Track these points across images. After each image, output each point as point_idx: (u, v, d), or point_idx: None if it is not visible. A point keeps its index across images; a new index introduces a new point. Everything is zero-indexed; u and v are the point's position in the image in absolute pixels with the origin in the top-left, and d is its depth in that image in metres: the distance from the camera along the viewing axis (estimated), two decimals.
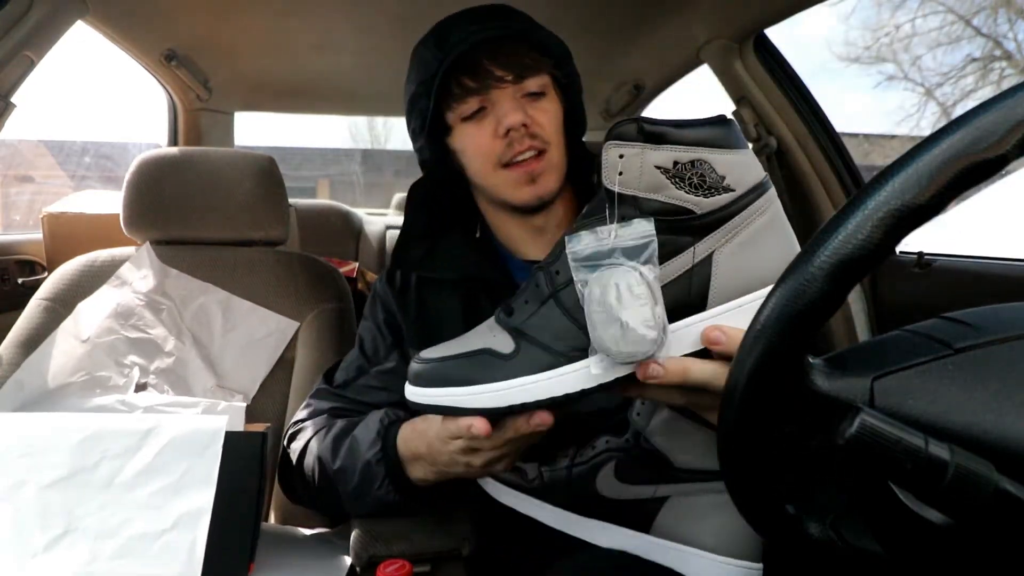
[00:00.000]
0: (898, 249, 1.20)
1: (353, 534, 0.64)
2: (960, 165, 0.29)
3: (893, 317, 1.24)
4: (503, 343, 0.47)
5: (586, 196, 0.76)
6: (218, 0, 1.27)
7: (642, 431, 0.57)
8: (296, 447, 0.72)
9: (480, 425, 0.47)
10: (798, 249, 0.46)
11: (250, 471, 0.62)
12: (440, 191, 0.79)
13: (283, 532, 0.75)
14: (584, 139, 0.82)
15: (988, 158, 0.29)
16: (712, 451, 0.54)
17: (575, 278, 0.43)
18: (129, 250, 1.09)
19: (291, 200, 1.17)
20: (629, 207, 0.43)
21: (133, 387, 0.96)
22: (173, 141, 1.85)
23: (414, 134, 0.75)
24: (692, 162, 0.42)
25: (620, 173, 0.43)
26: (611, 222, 0.43)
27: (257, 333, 1.04)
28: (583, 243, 0.43)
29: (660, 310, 0.41)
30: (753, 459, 0.38)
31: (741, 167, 0.44)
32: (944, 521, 0.33)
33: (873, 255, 0.31)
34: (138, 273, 1.06)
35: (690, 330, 0.44)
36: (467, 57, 0.67)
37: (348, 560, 0.63)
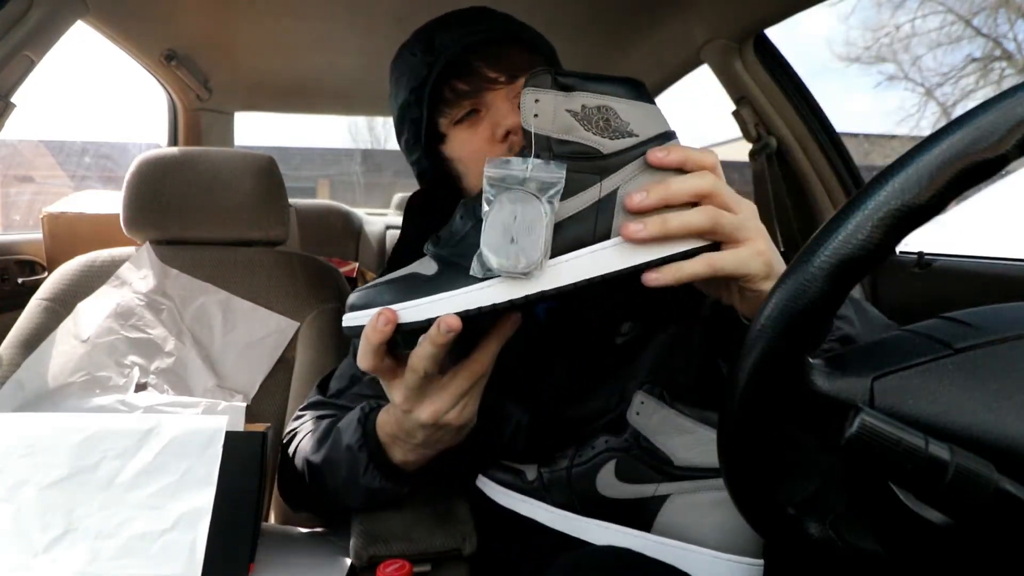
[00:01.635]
0: (898, 249, 1.20)
1: (353, 534, 0.64)
2: (960, 165, 0.29)
3: (893, 317, 1.24)
4: (428, 267, 0.51)
5: None
6: (218, 0, 1.27)
7: (641, 430, 0.57)
8: (289, 453, 0.72)
9: (450, 321, 0.48)
10: None
11: (250, 471, 0.62)
12: (434, 199, 0.79)
13: (283, 532, 0.75)
14: None
15: (988, 158, 0.29)
16: (712, 449, 0.54)
17: (484, 194, 0.47)
18: (129, 250, 1.09)
19: (291, 200, 1.17)
20: (544, 147, 0.48)
21: (133, 387, 0.96)
22: (173, 141, 1.85)
23: (408, 145, 0.74)
24: (598, 107, 0.48)
25: (535, 116, 0.48)
26: (528, 156, 0.48)
27: (257, 333, 1.04)
28: (501, 168, 0.47)
29: (547, 245, 0.46)
30: (753, 459, 0.38)
31: (644, 116, 0.49)
32: (944, 521, 0.33)
33: (873, 255, 0.31)
34: (138, 273, 1.06)
35: (595, 254, 0.48)
36: (458, 60, 0.66)
37: (348, 560, 0.63)
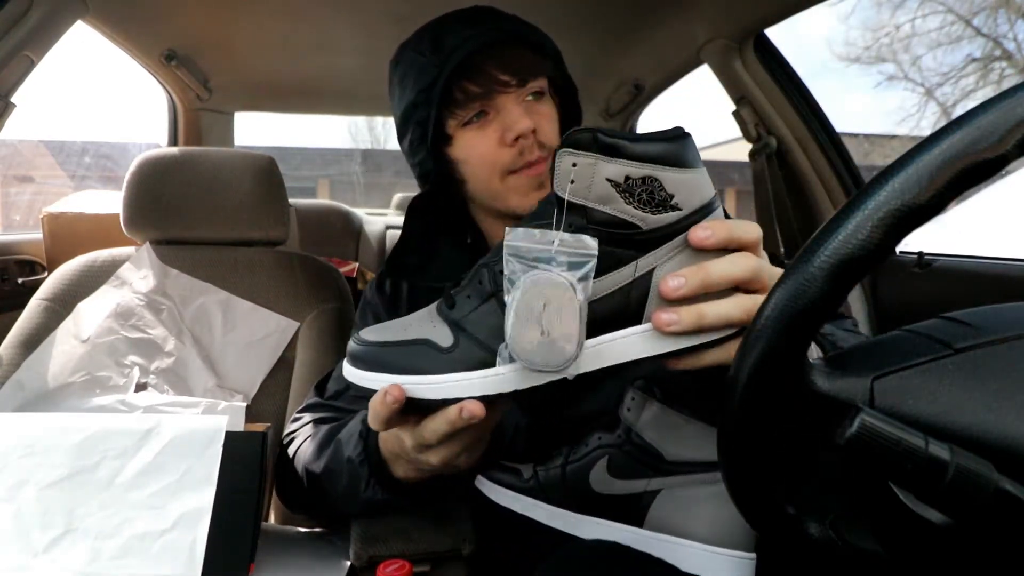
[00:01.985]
0: (898, 249, 1.20)
1: (353, 534, 0.64)
2: (960, 165, 0.29)
3: (893, 317, 1.24)
4: (443, 335, 0.48)
5: None
6: (218, 0, 1.27)
7: (633, 426, 0.57)
8: (289, 454, 0.72)
9: (473, 408, 0.46)
10: None
11: (250, 471, 0.62)
12: (436, 201, 0.78)
13: (283, 532, 0.75)
14: None
15: (988, 158, 0.29)
16: (702, 443, 0.55)
17: (506, 270, 0.43)
18: (129, 250, 1.09)
19: (291, 200, 1.17)
20: (577, 216, 0.43)
21: (133, 387, 0.96)
22: (173, 141, 1.85)
23: (412, 146, 0.72)
24: (643, 178, 0.42)
25: (572, 181, 0.43)
26: (558, 228, 0.43)
27: (257, 333, 1.04)
28: (525, 241, 0.43)
29: (583, 331, 0.42)
30: (753, 459, 0.38)
31: (691, 187, 0.44)
32: (944, 521, 0.33)
33: (873, 255, 0.31)
34: (138, 273, 1.06)
35: (626, 340, 0.45)
36: (468, 62, 0.65)
37: (348, 560, 0.63)
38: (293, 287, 1.08)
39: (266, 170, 1.08)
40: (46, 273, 1.41)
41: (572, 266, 0.42)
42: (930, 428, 0.33)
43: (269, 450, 0.65)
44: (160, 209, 1.05)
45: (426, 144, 0.70)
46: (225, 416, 0.65)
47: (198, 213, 1.06)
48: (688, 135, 0.45)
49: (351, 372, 0.50)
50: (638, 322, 0.44)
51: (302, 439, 0.72)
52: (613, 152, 0.42)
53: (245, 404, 0.96)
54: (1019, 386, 0.33)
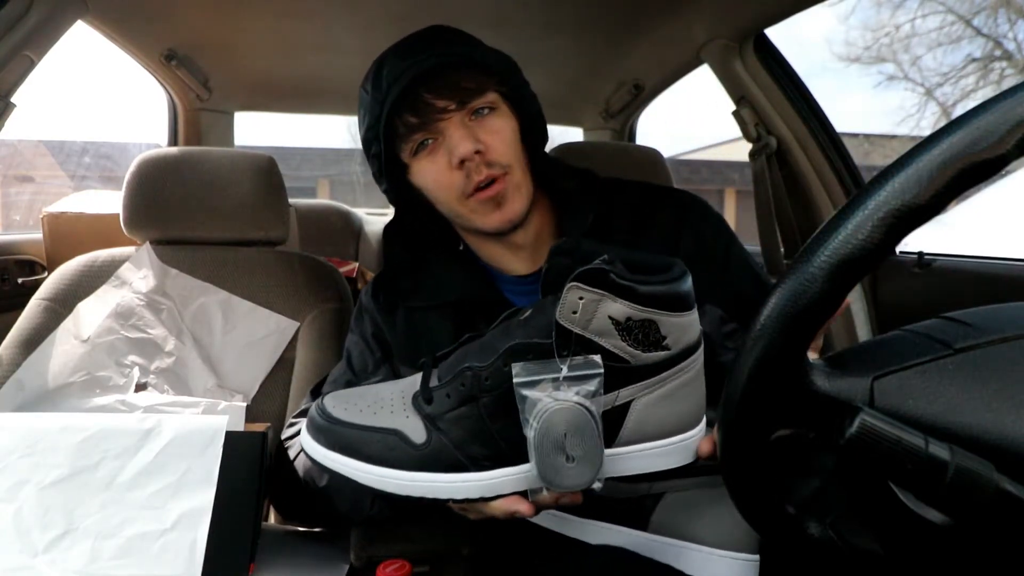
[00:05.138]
0: (898, 249, 1.20)
1: (353, 534, 0.64)
2: (960, 165, 0.29)
3: (893, 317, 1.24)
4: (415, 430, 0.49)
5: (560, 201, 0.76)
6: (218, 0, 1.27)
7: None
8: (285, 463, 0.72)
9: (525, 509, 0.49)
10: (704, 402, 0.50)
11: (250, 471, 0.62)
12: (415, 222, 0.78)
13: (283, 532, 0.75)
14: (583, 139, 0.82)
15: (988, 158, 0.29)
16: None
17: (519, 401, 0.45)
18: (129, 250, 1.09)
19: (291, 200, 1.17)
20: (574, 343, 0.45)
21: (133, 387, 0.96)
22: (173, 141, 1.85)
23: (377, 178, 0.74)
24: (643, 321, 0.45)
25: (575, 312, 0.45)
26: (558, 354, 0.45)
27: (257, 333, 1.04)
28: (532, 375, 0.45)
29: (602, 443, 0.45)
30: (753, 459, 0.38)
31: (683, 329, 0.46)
32: (944, 521, 0.33)
33: (873, 255, 0.31)
34: (138, 273, 1.06)
35: (608, 460, 0.47)
36: (406, 93, 0.66)
37: (348, 560, 0.63)
38: (293, 287, 1.08)
39: (266, 170, 1.08)
40: (46, 273, 1.41)
41: (583, 387, 0.44)
42: (930, 428, 0.33)
43: (269, 450, 0.65)
44: (160, 209, 1.05)
45: (383, 176, 0.72)
46: (225, 416, 0.65)
47: (198, 213, 1.06)
48: (687, 274, 0.47)
49: (312, 446, 0.51)
50: (608, 445, 0.47)
51: (299, 448, 0.71)
52: (621, 293, 0.44)
53: (245, 404, 0.96)
54: (1019, 386, 0.33)
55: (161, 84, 1.70)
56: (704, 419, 0.51)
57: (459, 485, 0.48)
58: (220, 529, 0.60)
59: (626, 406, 0.47)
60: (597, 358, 0.45)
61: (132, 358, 0.98)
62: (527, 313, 0.49)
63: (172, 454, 0.62)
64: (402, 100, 0.66)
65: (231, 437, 0.63)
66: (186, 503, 0.60)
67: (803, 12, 1.16)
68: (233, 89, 1.79)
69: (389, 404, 0.51)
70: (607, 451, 0.47)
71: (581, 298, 0.44)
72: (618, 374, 0.46)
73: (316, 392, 0.79)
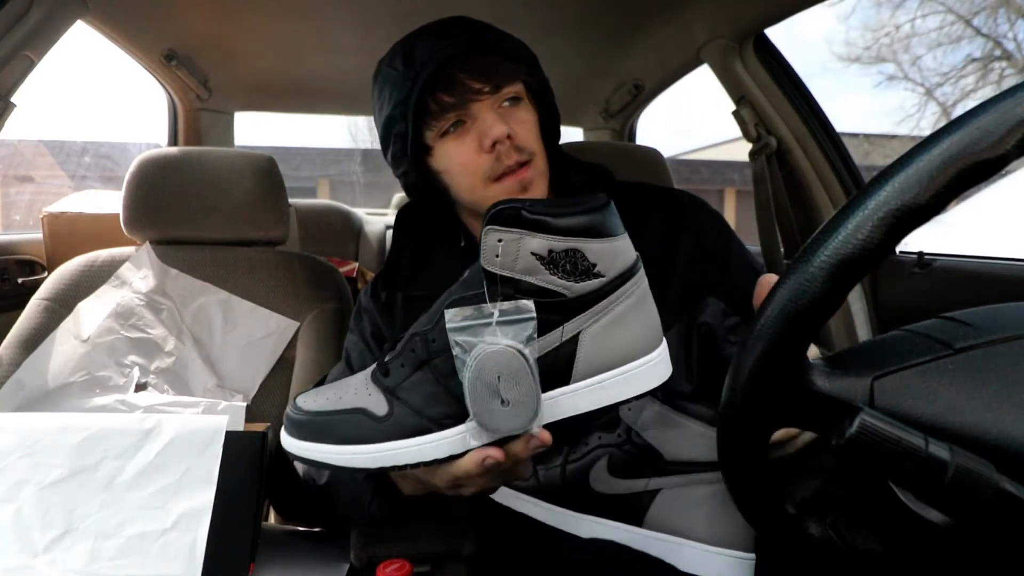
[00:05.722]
0: (898, 249, 1.20)
1: (353, 534, 0.64)
2: (960, 165, 0.29)
3: (893, 317, 1.24)
4: (377, 404, 0.50)
5: (569, 195, 0.76)
6: (218, 0, 1.27)
7: (633, 426, 0.58)
8: (284, 463, 0.72)
9: (495, 453, 0.48)
10: (658, 324, 0.50)
11: (250, 471, 0.62)
12: (424, 211, 0.79)
13: (283, 532, 0.75)
14: (583, 139, 0.82)
15: (988, 158, 0.29)
16: (702, 443, 0.55)
17: (454, 351, 0.45)
18: (129, 250, 1.09)
19: (291, 200, 1.17)
20: (506, 286, 0.46)
21: (133, 387, 0.96)
22: (173, 141, 1.85)
23: (395, 159, 0.73)
24: (566, 251, 0.45)
25: (497, 255, 0.45)
26: (491, 300, 0.46)
27: (257, 333, 1.04)
28: (462, 318, 0.45)
29: (538, 388, 0.44)
30: (753, 459, 0.38)
31: (612, 254, 0.46)
32: (944, 521, 0.33)
33: (873, 255, 0.31)
34: (138, 273, 1.06)
35: (554, 402, 0.47)
36: (440, 72, 0.66)
37: (348, 560, 0.63)
38: (293, 287, 1.08)
39: (266, 170, 1.08)
40: (46, 273, 1.41)
41: (516, 332, 0.44)
42: (930, 428, 0.33)
43: (269, 450, 0.65)
44: (160, 209, 1.05)
45: (407, 156, 0.71)
46: (225, 416, 0.65)
47: (198, 213, 1.06)
48: (609, 203, 0.47)
49: (287, 441, 0.52)
50: (566, 382, 0.47)
51: None
52: (537, 228, 0.44)
53: (245, 404, 0.96)
54: (1019, 386, 0.33)
55: (161, 84, 1.70)
56: (663, 342, 0.50)
57: (425, 447, 0.48)
58: (220, 529, 0.60)
59: (574, 339, 0.47)
60: (528, 302, 0.45)
61: (132, 358, 0.98)
62: (465, 273, 0.50)
63: (172, 454, 0.62)
64: (436, 79, 0.66)
65: (231, 437, 0.63)
66: (186, 503, 0.60)
67: (803, 12, 1.16)
68: (233, 89, 1.79)
69: (354, 388, 0.52)
70: (565, 389, 0.47)
71: (500, 240, 0.45)
72: (558, 309, 0.46)
73: None
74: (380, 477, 0.61)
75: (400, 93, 0.68)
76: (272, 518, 0.96)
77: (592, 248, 0.45)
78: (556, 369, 0.47)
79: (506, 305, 0.45)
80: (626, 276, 0.47)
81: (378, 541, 0.62)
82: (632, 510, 0.57)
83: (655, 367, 0.49)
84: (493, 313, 0.44)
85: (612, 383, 0.48)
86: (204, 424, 0.63)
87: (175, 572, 0.58)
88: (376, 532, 0.63)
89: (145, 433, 0.63)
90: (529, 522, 0.60)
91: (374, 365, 0.53)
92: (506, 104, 0.69)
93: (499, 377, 0.43)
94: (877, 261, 0.31)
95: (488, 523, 0.65)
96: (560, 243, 0.45)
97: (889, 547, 0.37)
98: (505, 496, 0.62)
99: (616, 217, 0.47)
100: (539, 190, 0.70)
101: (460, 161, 0.69)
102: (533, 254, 0.45)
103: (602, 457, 0.58)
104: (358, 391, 0.51)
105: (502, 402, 0.43)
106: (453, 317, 0.45)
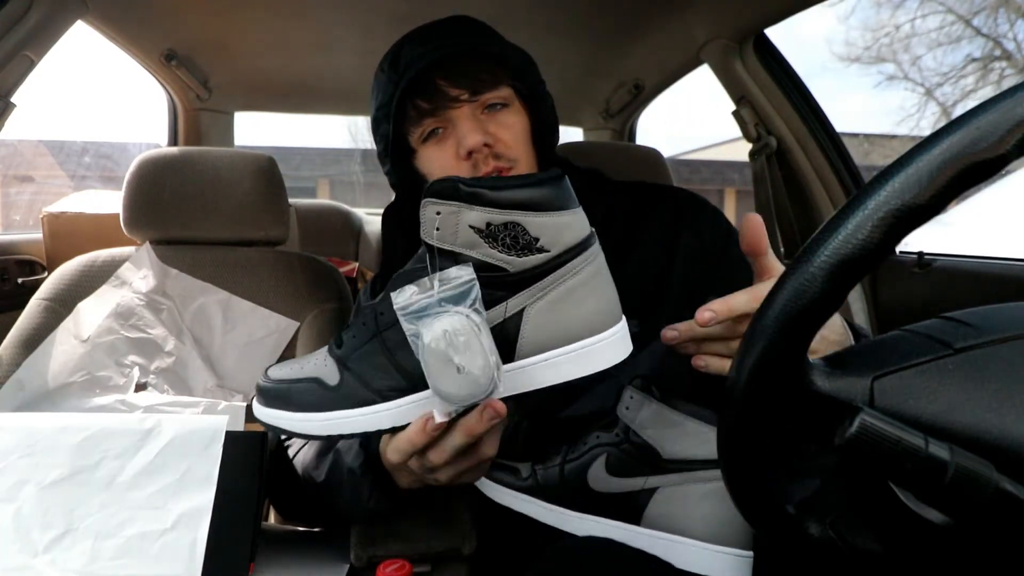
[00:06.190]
0: (898, 249, 1.20)
1: (353, 534, 0.64)
2: (960, 165, 0.29)
3: (893, 317, 1.24)
4: (331, 374, 0.51)
5: None
6: (218, 0, 1.27)
7: (631, 424, 0.58)
8: (284, 461, 0.72)
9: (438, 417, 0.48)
10: (616, 301, 0.49)
11: (250, 471, 0.62)
12: (415, 211, 0.79)
13: (283, 532, 0.75)
14: (583, 139, 0.82)
15: (988, 158, 0.29)
16: (700, 441, 0.55)
17: (405, 329, 0.45)
18: (129, 250, 1.09)
19: (291, 200, 1.17)
20: (448, 260, 0.45)
21: (133, 387, 0.95)
22: (173, 141, 1.85)
23: (381, 158, 0.75)
24: (505, 224, 0.44)
25: (437, 229, 0.45)
26: (432, 273, 0.45)
27: (257, 333, 1.04)
28: (407, 296, 0.45)
29: (493, 351, 0.43)
30: (753, 459, 0.38)
31: (557, 229, 0.45)
32: (944, 521, 0.33)
33: (873, 255, 0.31)
34: (138, 273, 1.06)
35: (509, 375, 0.47)
36: (421, 78, 0.67)
37: (348, 560, 0.63)
38: (293, 287, 1.08)
39: (266, 170, 1.08)
40: (46, 273, 1.41)
41: (458, 299, 0.44)
42: (930, 428, 0.33)
43: (269, 450, 0.65)
44: (160, 209, 1.05)
45: (389, 156, 0.72)
46: (225, 416, 0.65)
47: (198, 213, 1.06)
48: (558, 177, 0.46)
49: (256, 408, 0.54)
50: (511, 358, 0.47)
51: (298, 446, 0.71)
52: (474, 200, 0.44)
53: (245, 404, 0.96)
54: (1019, 386, 0.33)
55: (161, 84, 1.70)
56: (619, 324, 0.49)
57: (370, 417, 0.49)
58: (220, 529, 0.60)
59: (519, 316, 0.46)
60: (466, 266, 0.44)
61: (132, 358, 0.98)
62: (412, 259, 0.50)
63: (172, 454, 0.62)
64: (416, 84, 0.67)
65: (231, 437, 0.63)
66: (186, 503, 0.60)
67: (803, 12, 1.16)
68: (233, 89, 1.79)
69: (314, 359, 0.53)
70: (510, 365, 0.46)
71: (438, 212, 0.44)
72: (500, 284, 0.45)
73: None
74: (378, 471, 0.61)
75: (384, 96, 0.69)
76: (272, 518, 0.96)
77: (534, 221, 0.44)
78: (500, 346, 0.46)
79: (444, 274, 0.44)
80: (575, 251, 0.46)
81: (378, 541, 0.62)
82: (630, 509, 0.57)
83: (610, 345, 0.48)
84: (434, 285, 0.44)
85: (560, 361, 0.47)
86: (204, 424, 0.63)
87: (175, 572, 0.58)
88: (376, 532, 0.63)
89: (145, 433, 0.63)
90: (529, 522, 0.60)
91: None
92: (488, 110, 0.69)
93: (450, 345, 0.43)
94: (877, 261, 0.31)
95: (488, 523, 0.65)
96: (499, 216, 0.44)
97: (889, 547, 0.37)
98: (504, 496, 0.62)
99: (566, 192, 0.46)
100: None
101: (439, 166, 0.70)
102: (471, 227, 0.44)
103: (600, 456, 0.58)
104: (317, 362, 0.52)
105: (457, 370, 0.43)
106: (398, 297, 0.45)
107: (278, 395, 0.52)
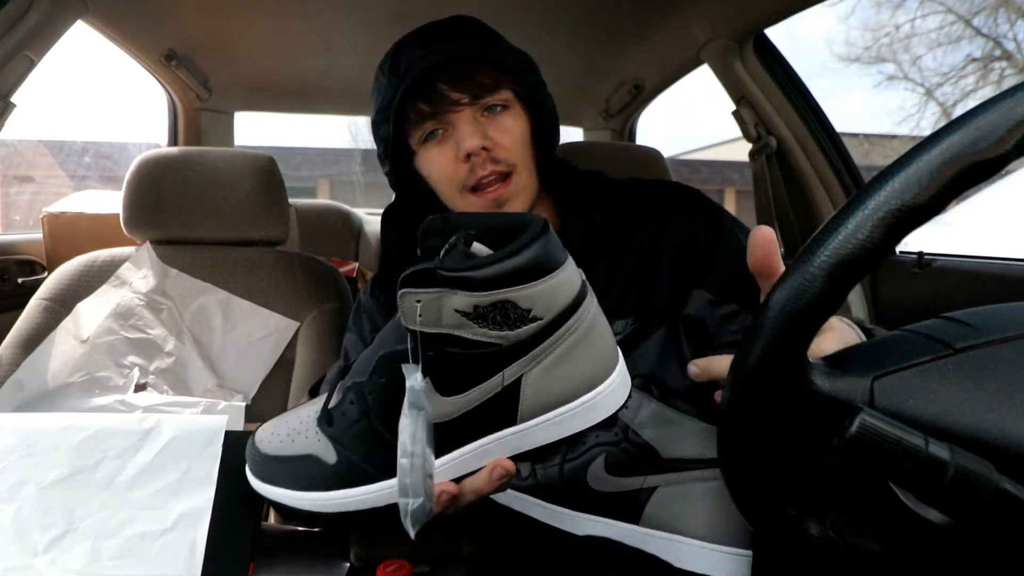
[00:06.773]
0: (898, 249, 1.20)
1: (353, 534, 0.64)
2: (960, 165, 0.29)
3: (893, 317, 1.24)
4: (326, 451, 0.51)
5: (566, 202, 0.77)
6: (218, 0, 1.27)
7: (630, 424, 0.58)
8: None
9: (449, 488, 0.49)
10: (612, 348, 0.48)
11: None
12: (416, 211, 0.79)
13: (283, 532, 0.75)
14: (583, 139, 0.82)
15: (988, 158, 0.29)
16: (699, 440, 0.55)
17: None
18: (129, 250, 1.09)
19: (291, 200, 1.17)
20: (435, 341, 0.43)
21: (133, 387, 0.96)
22: (173, 141, 1.85)
23: (381, 160, 0.75)
24: (494, 304, 0.41)
25: (420, 316, 0.42)
26: (415, 361, 0.44)
27: (257, 333, 1.04)
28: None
29: (423, 453, 0.43)
30: (753, 459, 0.38)
31: (549, 295, 0.43)
32: (944, 521, 0.33)
33: (873, 255, 0.31)
34: (138, 273, 1.06)
35: (502, 442, 0.48)
36: (421, 81, 0.67)
37: (348, 560, 0.63)
38: (293, 287, 1.08)
39: (266, 170, 1.08)
40: (46, 273, 1.41)
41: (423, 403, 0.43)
42: (930, 428, 0.33)
43: None
44: (160, 209, 1.05)
45: (389, 157, 0.73)
46: (225, 416, 0.65)
47: (198, 213, 1.06)
48: (542, 233, 0.43)
49: (252, 480, 0.55)
50: (512, 423, 0.47)
51: None
52: (457, 285, 0.41)
53: (245, 404, 0.96)
54: (1019, 386, 0.33)
55: (161, 84, 1.70)
56: (617, 367, 0.48)
57: (373, 495, 0.49)
58: (220, 529, 0.60)
59: (516, 383, 0.45)
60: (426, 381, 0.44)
61: (132, 358, 0.98)
62: (393, 319, 0.48)
63: (172, 454, 0.62)
64: (416, 87, 0.67)
65: (231, 437, 0.63)
66: (186, 503, 0.60)
67: (803, 12, 1.16)
68: (233, 89, 1.79)
69: (304, 430, 0.53)
70: (513, 429, 0.47)
71: (418, 301, 0.42)
72: (494, 358, 0.44)
73: (314, 392, 0.79)
74: None
75: (384, 99, 0.70)
76: (272, 518, 0.95)
77: (524, 295, 0.42)
78: (499, 412, 0.46)
79: (412, 380, 0.44)
80: (568, 313, 0.44)
81: (378, 541, 0.62)
82: (629, 508, 0.57)
83: (611, 394, 0.48)
84: (417, 380, 0.44)
85: (563, 419, 0.47)
86: (204, 424, 0.63)
87: (175, 572, 0.58)
88: (376, 532, 0.63)
89: (145, 433, 0.63)
90: (528, 522, 0.60)
91: (320, 408, 0.53)
92: (488, 112, 0.69)
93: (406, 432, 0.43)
94: (877, 261, 0.31)
95: (488, 523, 0.65)
96: (486, 298, 0.41)
97: (889, 547, 0.37)
98: (504, 496, 0.62)
99: (552, 246, 0.43)
100: (517, 207, 0.70)
101: (439, 168, 0.70)
102: (457, 311, 0.42)
103: (599, 455, 0.58)
104: (308, 436, 0.52)
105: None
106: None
107: (271, 473, 0.53)
